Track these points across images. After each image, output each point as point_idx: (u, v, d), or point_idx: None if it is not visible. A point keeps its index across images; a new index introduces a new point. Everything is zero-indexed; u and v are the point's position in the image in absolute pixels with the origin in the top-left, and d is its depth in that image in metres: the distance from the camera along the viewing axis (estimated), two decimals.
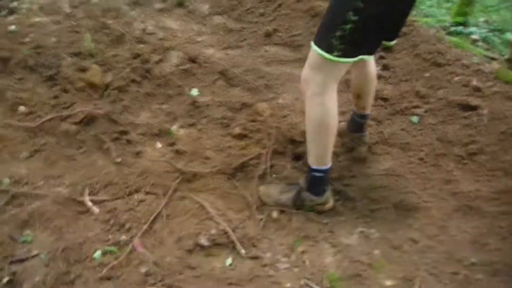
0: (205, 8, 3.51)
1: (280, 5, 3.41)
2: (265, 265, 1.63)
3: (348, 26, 1.47)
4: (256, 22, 3.37)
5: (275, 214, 1.86)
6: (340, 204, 1.95)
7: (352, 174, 2.12)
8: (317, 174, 1.75)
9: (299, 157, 2.15)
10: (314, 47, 1.61)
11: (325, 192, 1.81)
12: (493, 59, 2.76)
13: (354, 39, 1.50)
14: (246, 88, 2.69)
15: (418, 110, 2.52)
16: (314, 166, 1.75)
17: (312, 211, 1.83)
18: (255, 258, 1.66)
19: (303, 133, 2.22)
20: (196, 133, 2.30)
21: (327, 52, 1.54)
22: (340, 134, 2.18)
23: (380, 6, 1.46)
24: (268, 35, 3.23)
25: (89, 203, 1.70)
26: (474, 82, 2.52)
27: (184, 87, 2.59)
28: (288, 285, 1.55)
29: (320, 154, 1.73)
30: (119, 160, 1.99)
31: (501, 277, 1.74)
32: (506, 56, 2.77)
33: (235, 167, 2.08)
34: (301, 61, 2.95)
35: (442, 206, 2.01)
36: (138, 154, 2.07)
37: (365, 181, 2.09)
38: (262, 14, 3.42)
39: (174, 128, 2.30)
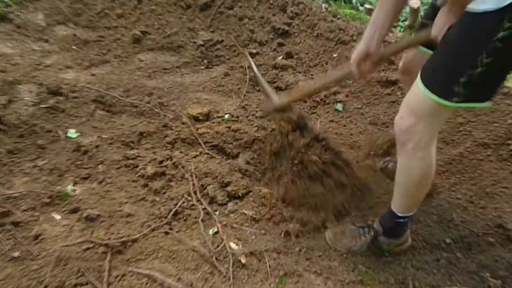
0: (39, 18, 3.27)
1: (140, 1, 3.38)
2: None
3: (478, 70, 1.41)
4: (116, 26, 3.30)
5: (242, 259, 1.89)
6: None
7: None
8: (402, 220, 1.87)
9: (228, 183, 2.22)
10: (426, 91, 1.51)
11: (405, 232, 1.94)
12: (392, 26, 3.21)
13: (483, 84, 1.45)
14: (136, 113, 2.64)
15: (339, 96, 2.83)
16: (400, 214, 1.85)
17: (389, 251, 1.97)
18: None
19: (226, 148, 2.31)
20: (100, 187, 2.17)
21: (445, 99, 1.49)
22: None
23: None
24: (137, 40, 3.19)
25: None
26: None
27: (56, 130, 2.42)
28: None
29: (412, 204, 1.82)
30: (16, 254, 1.76)
31: (475, 249, 2.10)
32: (407, 22, 3.25)
33: (168, 217, 2.04)
34: (190, 64, 3.03)
35: None
36: (37, 238, 1.86)
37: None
38: (120, 16, 3.35)
39: (68, 188, 2.12)
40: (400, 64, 2.06)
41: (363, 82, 2.65)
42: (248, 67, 2.99)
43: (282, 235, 2.04)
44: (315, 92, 2.19)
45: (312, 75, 2.96)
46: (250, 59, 2.45)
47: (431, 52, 1.65)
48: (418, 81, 1.56)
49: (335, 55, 3.02)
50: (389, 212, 1.88)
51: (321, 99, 2.81)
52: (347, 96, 2.83)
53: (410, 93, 1.59)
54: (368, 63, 1.74)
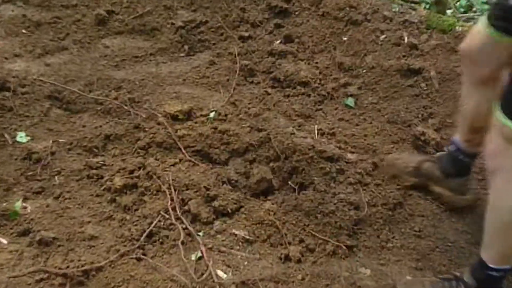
0: None
1: None
2: None
3: None
4: (76, 5, 3.32)
5: None
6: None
7: None
8: (495, 273, 1.79)
9: (215, 197, 2.22)
10: (502, 118, 1.57)
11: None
12: (414, 2, 3.23)
13: None
14: (100, 111, 2.65)
15: (350, 89, 2.84)
16: (493, 265, 1.79)
17: None
18: None
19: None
20: (56, 204, 2.17)
21: None
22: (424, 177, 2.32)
23: None
24: (101, 21, 3.21)
25: None
26: (406, 38, 2.93)
27: (2, 134, 2.42)
28: None
29: (509, 253, 1.78)
30: None
31: None
32: None
33: (140, 239, 2.04)
34: (166, 51, 3.04)
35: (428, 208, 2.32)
36: None
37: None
38: None
39: (17, 205, 2.12)
40: (463, 45, 1.99)
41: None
42: (239, 54, 2.99)
43: (281, 260, 2.03)
44: None
45: (317, 62, 2.97)
46: None
47: None
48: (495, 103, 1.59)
49: (345, 39, 3.03)
50: (479, 262, 1.83)
51: (328, 93, 2.82)
52: (360, 88, 2.85)
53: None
54: None
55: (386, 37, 3.01)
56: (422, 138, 2.52)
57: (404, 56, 2.91)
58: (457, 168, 2.24)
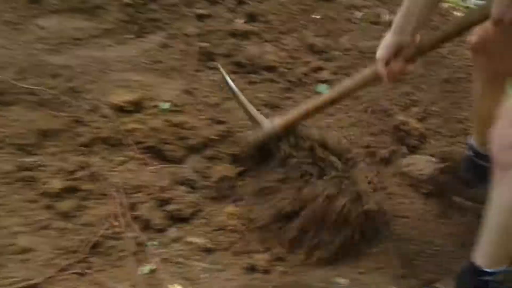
0: None
1: None
2: None
3: None
4: None
5: None
6: None
7: None
8: (486, 277, 1.79)
9: (169, 200, 2.22)
10: None
11: None
12: None
13: None
14: (35, 103, 2.59)
15: (323, 74, 2.86)
16: (485, 268, 1.79)
17: None
18: None
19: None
20: None
21: None
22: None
23: None
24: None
25: None
26: (386, 16, 2.94)
27: None
28: None
29: (502, 255, 1.78)
30: None
31: None
32: None
33: (84, 251, 2.01)
34: (112, 32, 3.01)
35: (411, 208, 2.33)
36: None
37: None
38: None
39: None
40: (473, 37, 2.02)
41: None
42: (196, 35, 2.96)
43: (246, 271, 2.03)
44: (321, 109, 2.23)
45: (285, 44, 2.96)
46: (224, 73, 2.46)
47: None
48: None
49: (317, 16, 3.05)
50: (469, 267, 1.85)
51: (297, 79, 2.83)
52: (334, 73, 2.86)
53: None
54: (400, 60, 1.82)
55: (363, 15, 3.03)
56: (404, 128, 2.55)
57: (381, 37, 2.92)
58: (477, 174, 2.25)
